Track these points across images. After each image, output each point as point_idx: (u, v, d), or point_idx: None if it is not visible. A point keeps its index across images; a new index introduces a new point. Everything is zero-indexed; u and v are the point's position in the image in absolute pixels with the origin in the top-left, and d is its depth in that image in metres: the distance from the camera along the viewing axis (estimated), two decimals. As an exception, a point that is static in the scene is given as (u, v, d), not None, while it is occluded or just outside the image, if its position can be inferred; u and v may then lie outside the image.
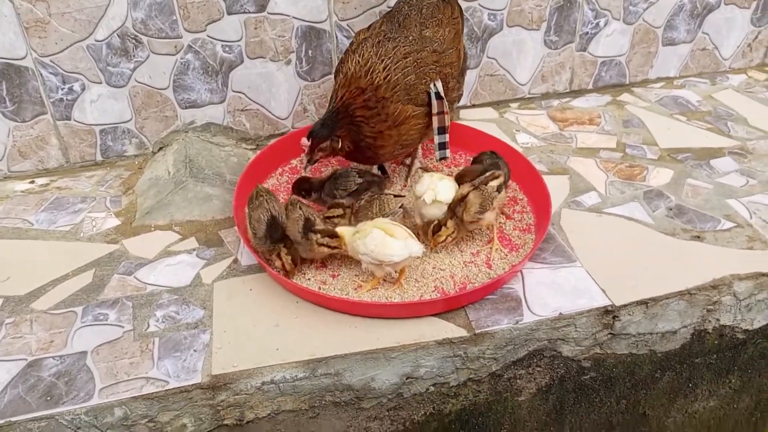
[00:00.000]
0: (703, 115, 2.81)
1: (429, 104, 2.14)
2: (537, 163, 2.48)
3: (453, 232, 1.95)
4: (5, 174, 2.45)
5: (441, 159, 2.28)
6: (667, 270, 1.99)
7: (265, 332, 1.78)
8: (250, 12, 2.39)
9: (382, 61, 2.06)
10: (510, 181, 2.35)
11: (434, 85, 2.13)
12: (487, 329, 1.80)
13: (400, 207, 2.04)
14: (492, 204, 1.97)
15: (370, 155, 2.13)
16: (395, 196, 2.06)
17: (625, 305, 1.89)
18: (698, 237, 2.12)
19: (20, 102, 2.33)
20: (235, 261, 2.03)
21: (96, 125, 2.45)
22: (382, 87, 2.04)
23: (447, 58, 2.19)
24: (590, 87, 3.00)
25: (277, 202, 1.99)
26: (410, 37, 2.13)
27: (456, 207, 1.96)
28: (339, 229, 1.93)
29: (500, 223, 2.15)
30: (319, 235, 1.87)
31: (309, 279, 1.95)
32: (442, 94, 2.14)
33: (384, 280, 1.90)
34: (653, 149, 2.58)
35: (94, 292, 1.91)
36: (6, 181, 2.44)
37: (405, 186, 2.35)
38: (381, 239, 1.81)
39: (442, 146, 2.25)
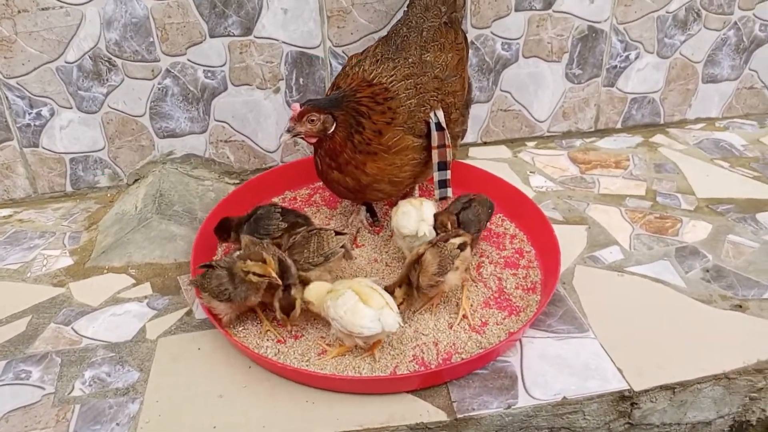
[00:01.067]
0: (749, 161, 2.46)
1: (428, 136, 1.87)
2: (551, 210, 2.17)
3: (402, 303, 1.64)
4: (-32, 203, 2.28)
5: (441, 199, 1.99)
6: (700, 347, 1.66)
7: (205, 404, 1.50)
8: (234, 35, 2.18)
9: (385, 76, 1.86)
10: (517, 231, 2.05)
11: (435, 114, 1.88)
12: (471, 413, 1.48)
13: (341, 247, 1.74)
14: (453, 263, 1.66)
15: (350, 181, 1.83)
16: (336, 233, 1.77)
17: (646, 390, 1.56)
18: (740, 306, 1.79)
19: (-16, 126, 2.16)
20: (189, 313, 1.77)
21: (66, 153, 2.26)
22: (391, 90, 1.84)
23: (450, 87, 1.94)
24: (619, 126, 2.68)
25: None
26: (410, 59, 1.90)
27: (411, 270, 1.66)
28: (314, 284, 1.65)
29: (473, 291, 1.81)
30: (244, 262, 1.60)
31: (269, 339, 1.67)
32: (444, 125, 1.87)
33: (355, 345, 1.61)
34: (689, 199, 2.25)
35: (23, 344, 1.67)
36: (-32, 210, 2.26)
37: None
38: (352, 305, 1.52)
39: (443, 184, 1.97)
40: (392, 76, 1.86)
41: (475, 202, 1.87)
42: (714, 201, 2.23)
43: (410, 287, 1.64)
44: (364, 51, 1.99)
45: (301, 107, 1.73)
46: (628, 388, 1.55)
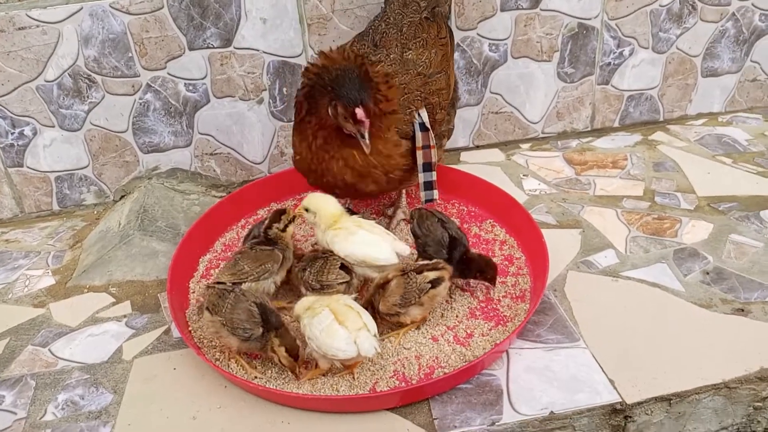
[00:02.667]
0: (753, 156, 2.36)
1: (413, 138, 1.81)
2: (543, 214, 2.10)
3: None
4: (-45, 225, 2.27)
5: (427, 201, 1.92)
6: (698, 355, 1.57)
7: (178, 427, 1.45)
8: (214, 47, 2.15)
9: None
10: (507, 236, 1.98)
11: (419, 114, 1.82)
12: (453, 431, 1.41)
13: (340, 284, 1.65)
14: (419, 298, 1.58)
15: (346, 153, 1.72)
16: (342, 267, 1.67)
17: (639, 402, 1.47)
18: (742, 310, 1.69)
19: (-33, 148, 2.15)
20: (167, 332, 1.72)
21: (50, 172, 2.25)
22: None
23: (435, 84, 1.87)
24: (616, 125, 2.60)
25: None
26: (391, 56, 1.84)
27: (375, 294, 1.59)
28: (305, 298, 1.59)
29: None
30: (278, 341, 1.50)
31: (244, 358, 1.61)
32: (428, 125, 1.81)
33: (330, 367, 1.54)
34: (689, 197, 2.16)
35: (-1, 367, 1.65)
36: (-45, 233, 2.25)
37: None
38: (327, 325, 1.45)
39: (428, 186, 1.90)
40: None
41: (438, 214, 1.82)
42: (715, 199, 2.14)
43: (374, 310, 1.57)
44: (337, 49, 1.85)
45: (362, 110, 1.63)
46: (620, 400, 1.46)
